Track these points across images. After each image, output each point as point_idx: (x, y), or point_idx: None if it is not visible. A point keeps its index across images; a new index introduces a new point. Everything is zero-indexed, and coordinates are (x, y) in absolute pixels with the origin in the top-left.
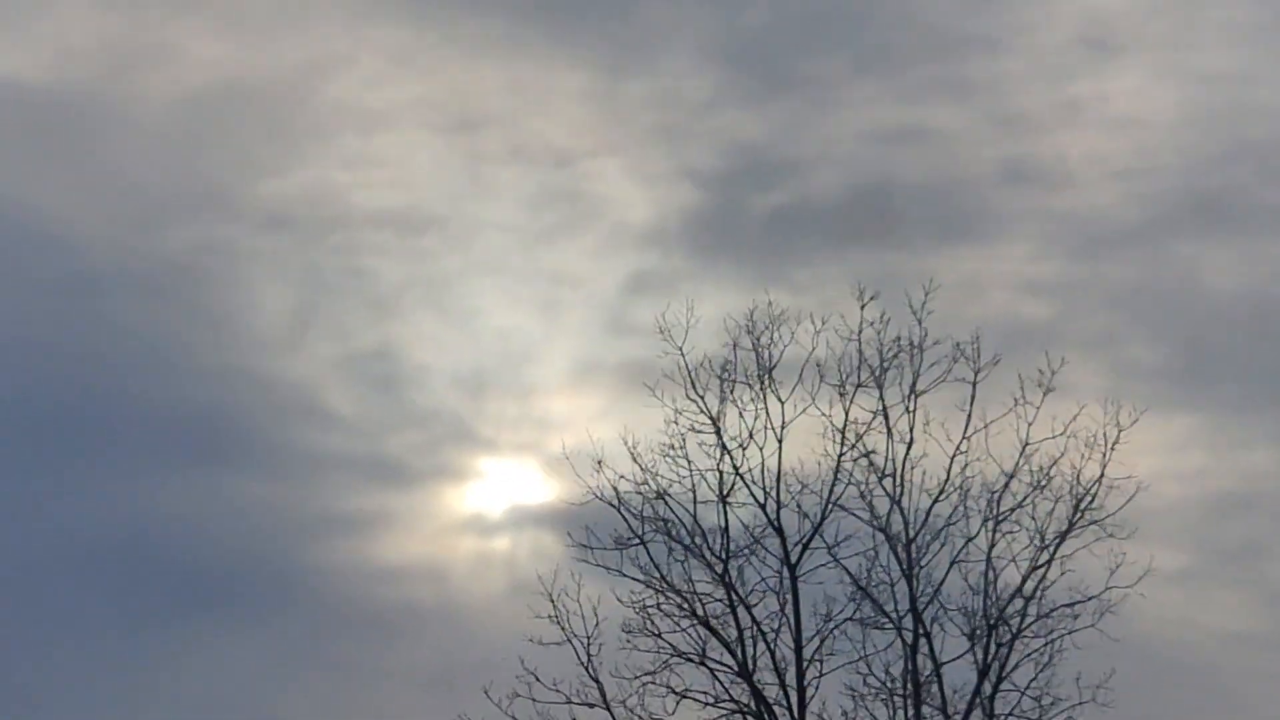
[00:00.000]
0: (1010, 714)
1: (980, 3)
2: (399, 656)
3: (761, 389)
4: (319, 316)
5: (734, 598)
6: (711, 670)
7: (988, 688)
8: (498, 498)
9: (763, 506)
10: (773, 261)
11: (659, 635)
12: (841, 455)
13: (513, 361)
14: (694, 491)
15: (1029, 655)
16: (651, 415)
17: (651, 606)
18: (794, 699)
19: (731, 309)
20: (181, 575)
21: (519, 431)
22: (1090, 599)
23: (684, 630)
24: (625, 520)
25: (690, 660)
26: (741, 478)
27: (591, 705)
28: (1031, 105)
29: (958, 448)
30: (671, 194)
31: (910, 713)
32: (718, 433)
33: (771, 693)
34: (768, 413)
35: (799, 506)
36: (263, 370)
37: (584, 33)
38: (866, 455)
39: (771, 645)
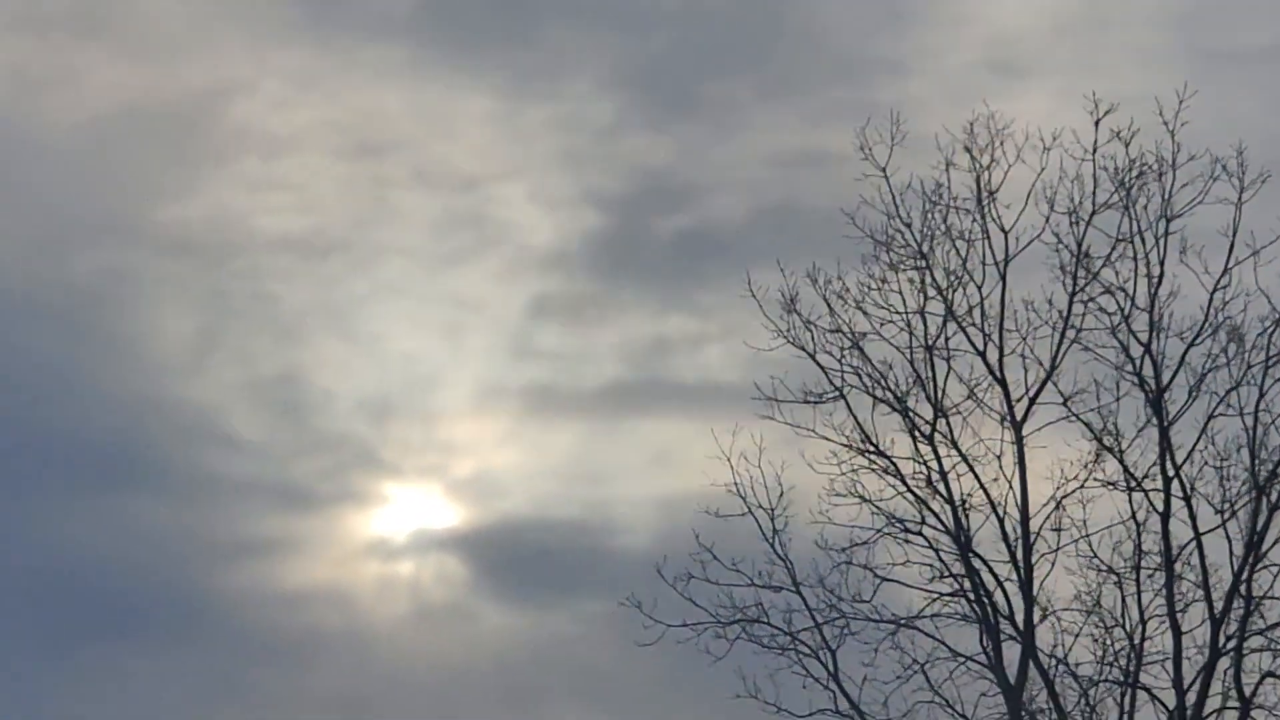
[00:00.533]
0: (1270, 594)
1: (886, 26)
2: (307, 682)
3: (980, 215)
4: (223, 341)
5: (945, 463)
6: (930, 543)
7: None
8: (402, 522)
9: (981, 354)
10: (677, 285)
11: (867, 501)
12: (1075, 293)
13: (417, 386)
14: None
15: None
16: (556, 439)
17: (850, 473)
18: (1021, 577)
19: (635, 334)
20: (88, 601)
21: (423, 456)
22: None
23: (889, 500)
24: (820, 369)
25: (906, 530)
26: (957, 321)
27: (778, 588)
28: (938, 129)
29: (1218, 282)
30: (575, 218)
31: (1163, 589)
32: (927, 269)
33: (997, 571)
34: (988, 243)
35: (1026, 354)
36: (168, 395)
37: (487, 57)
38: (1108, 291)
39: (1000, 514)
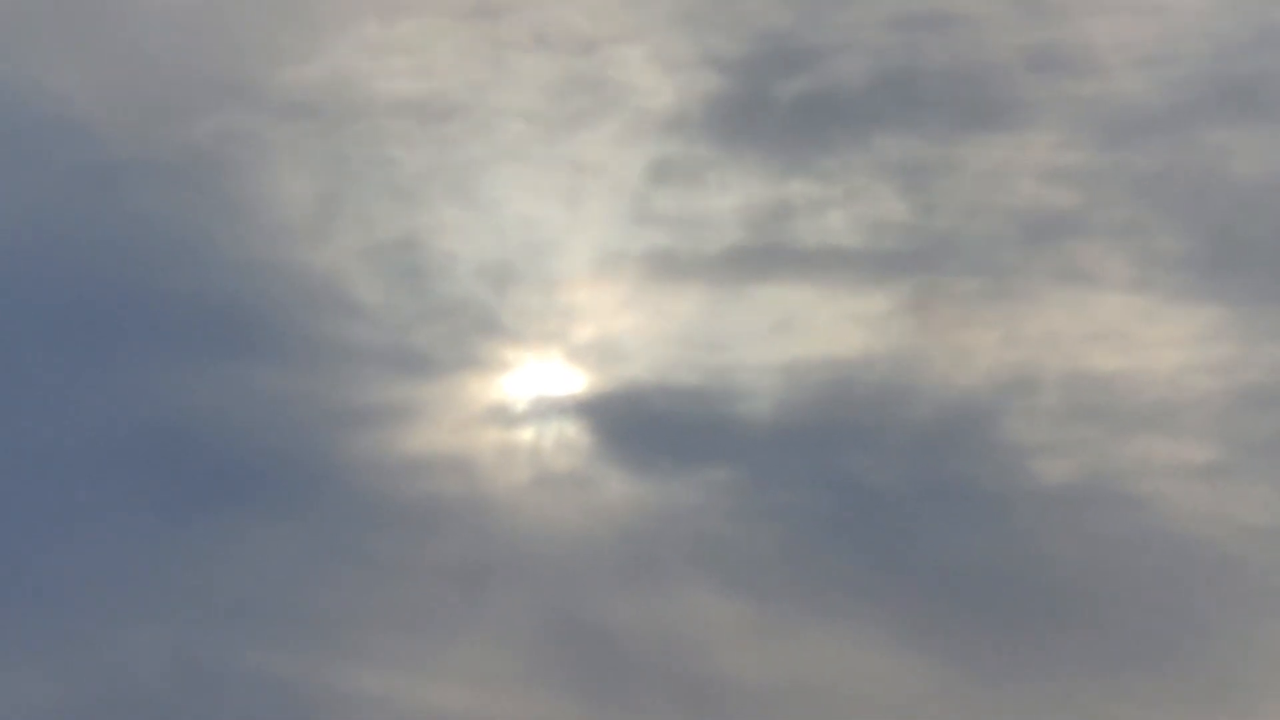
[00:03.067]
0: None
1: None
2: (427, 549)
3: None
4: (343, 206)
5: None
6: None
7: None
8: (522, 388)
9: None
10: (798, 149)
11: None
12: None
13: (537, 251)
14: None
15: None
16: (676, 305)
17: None
18: None
19: (756, 198)
20: (208, 468)
21: (544, 322)
22: None
23: None
24: None
25: None
26: None
27: None
28: None
29: None
30: (695, 80)
31: None
32: None
33: None
34: None
35: None
36: (288, 260)
37: None
38: None
39: None
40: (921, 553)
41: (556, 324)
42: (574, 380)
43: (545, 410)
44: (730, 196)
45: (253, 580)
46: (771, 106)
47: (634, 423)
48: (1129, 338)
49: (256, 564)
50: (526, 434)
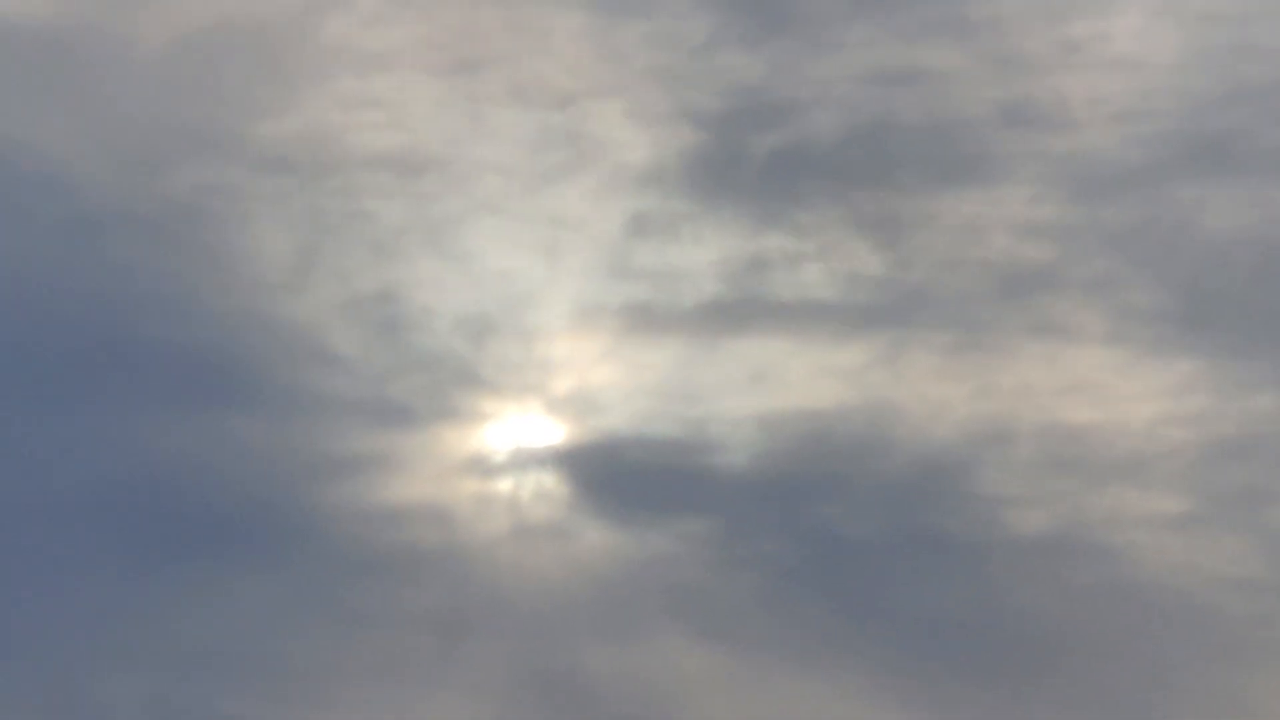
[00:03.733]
0: None
1: None
2: (404, 599)
3: None
4: (321, 258)
5: None
6: None
7: None
8: (501, 440)
9: None
10: (773, 203)
11: None
12: None
13: (515, 304)
14: None
15: None
16: (654, 357)
17: None
18: None
19: (733, 252)
20: (187, 518)
21: (522, 374)
22: None
23: None
24: None
25: None
26: None
27: None
28: (1031, 45)
29: None
30: (671, 135)
31: None
32: None
33: None
34: None
35: None
36: (266, 312)
37: None
38: None
39: None
40: (897, 603)
41: (535, 376)
42: (552, 431)
43: (523, 461)
44: (707, 250)
45: (230, 629)
46: (747, 161)
47: (611, 474)
48: (1103, 390)
49: (233, 613)
50: (504, 484)
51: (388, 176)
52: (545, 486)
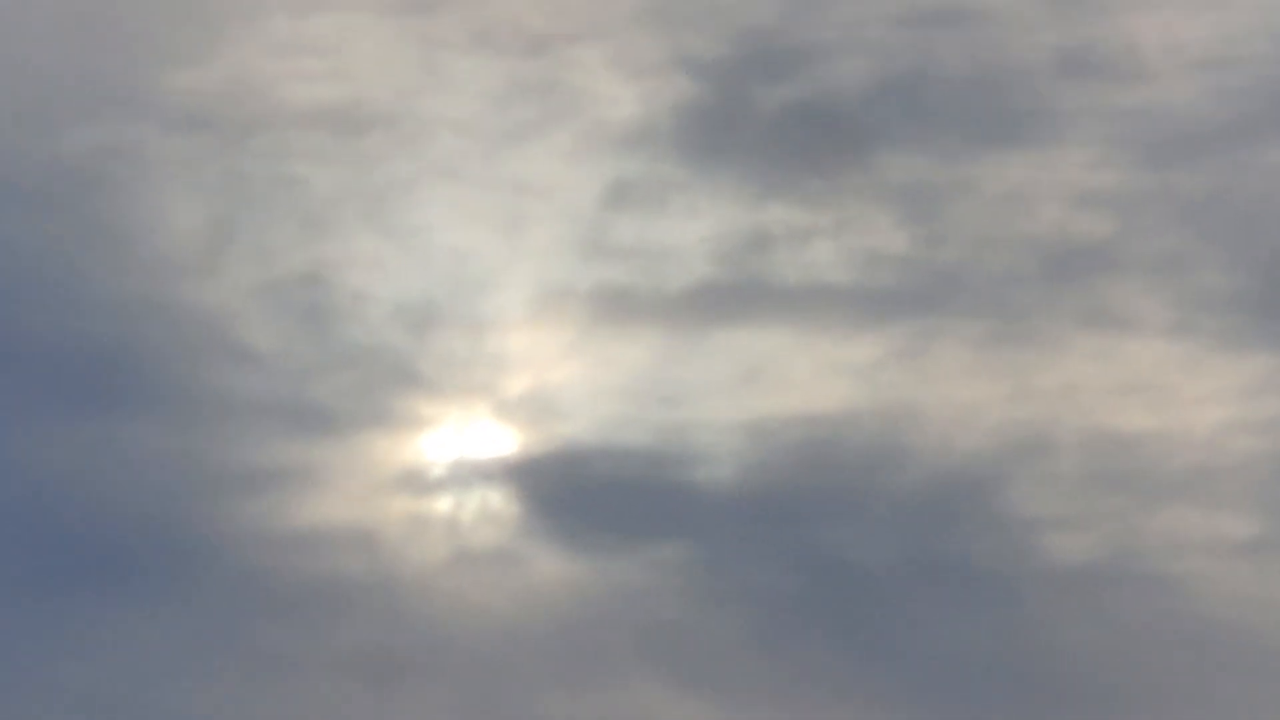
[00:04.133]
0: None
1: None
2: (325, 639)
3: None
4: (238, 234)
5: None
6: None
7: None
8: (441, 450)
9: None
10: (781, 169)
11: None
12: None
13: (465, 289)
14: None
15: None
16: (627, 352)
17: None
18: None
19: (730, 226)
20: (69, 542)
21: (469, 372)
22: None
23: None
24: None
25: None
26: None
27: None
28: None
29: None
30: (663, 87)
31: None
32: None
33: None
34: None
35: None
36: (169, 298)
37: None
38: None
39: None
40: (914, 644)
41: (484, 374)
42: (502, 440)
43: (467, 475)
44: (699, 224)
45: (119, 676)
46: (752, 118)
47: (572, 490)
48: (1163, 391)
49: (124, 657)
50: (444, 503)
51: (323, 136)
52: (493, 506)
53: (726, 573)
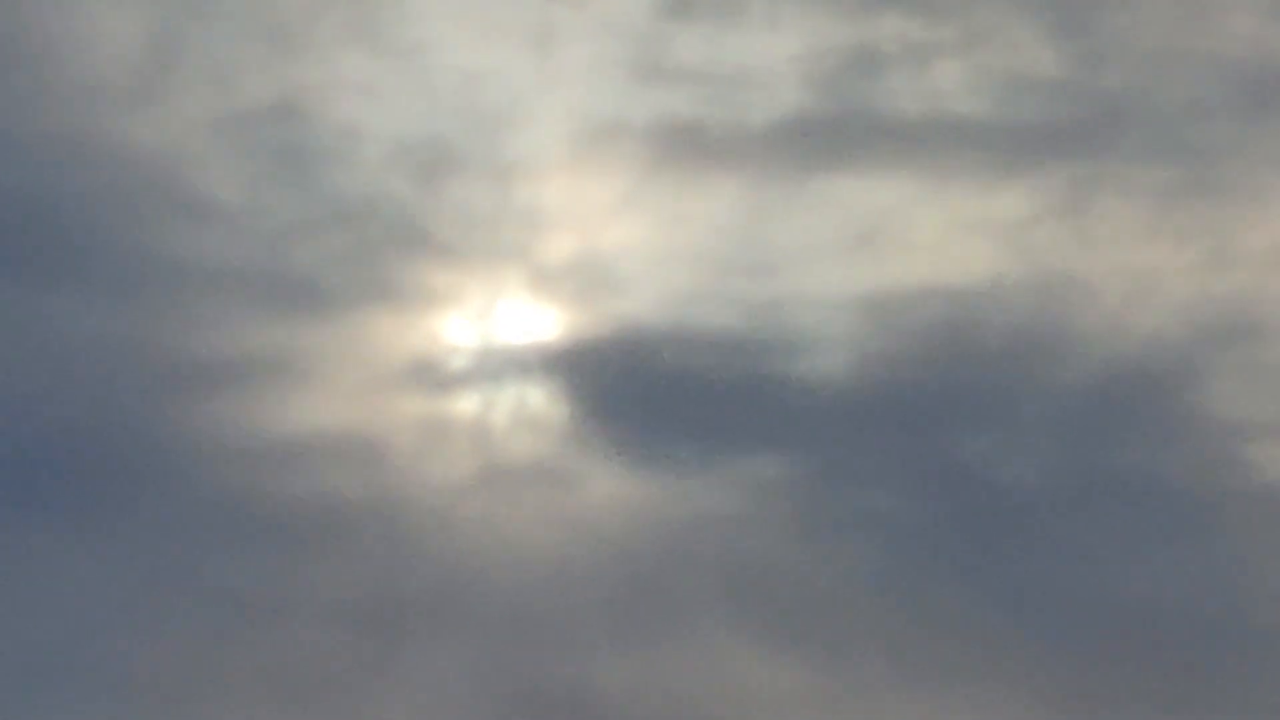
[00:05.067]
0: None
1: None
2: (316, 578)
3: None
4: (188, 52)
5: None
6: None
7: None
8: (463, 334)
9: None
10: None
11: None
12: None
13: (485, 123)
14: None
15: None
16: (701, 206)
17: None
18: None
19: (826, 41)
20: None
21: (495, 231)
22: None
23: None
24: None
25: None
26: None
27: None
28: None
29: None
30: None
31: None
32: None
33: None
34: None
35: None
36: (105, 135)
37: None
38: None
39: None
40: (1079, 588)
41: (514, 234)
42: (541, 321)
43: (497, 367)
44: (785, 38)
45: (46, 620)
46: None
47: (633, 387)
48: None
49: (50, 596)
50: (468, 404)
51: None
52: (531, 407)
53: (836, 496)
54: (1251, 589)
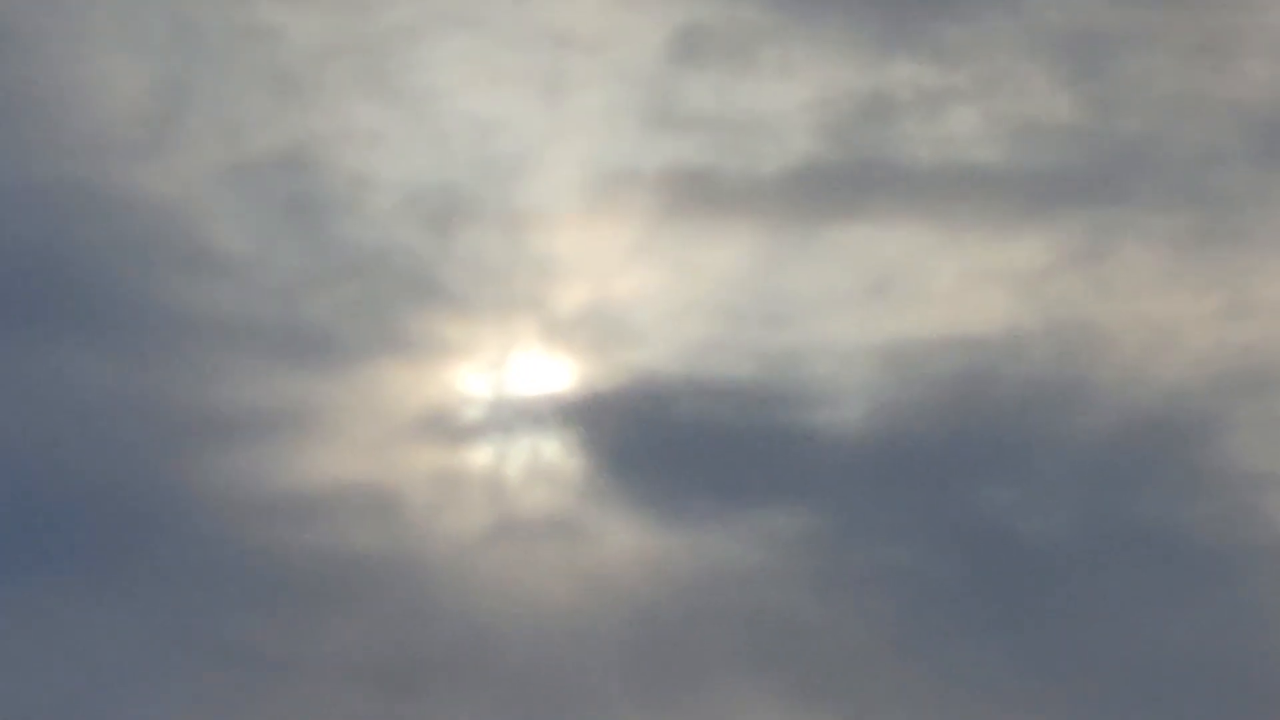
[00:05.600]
0: None
1: None
2: (328, 636)
3: None
4: (196, 102)
5: None
6: None
7: None
8: (475, 386)
9: None
10: (907, 9)
11: None
12: None
13: (496, 172)
14: None
15: None
16: (715, 255)
17: None
18: None
19: (841, 88)
20: None
21: (507, 281)
22: None
23: None
24: None
25: None
26: None
27: None
28: None
29: None
30: None
31: None
32: None
33: None
34: None
35: None
36: (112, 186)
37: None
38: None
39: None
40: (1100, 641)
41: (527, 284)
42: (555, 372)
43: (510, 418)
44: (799, 86)
45: (55, 681)
46: None
47: (649, 439)
48: None
49: (62, 657)
50: (482, 456)
51: None
52: (545, 459)
53: (854, 549)
54: (1274, 641)
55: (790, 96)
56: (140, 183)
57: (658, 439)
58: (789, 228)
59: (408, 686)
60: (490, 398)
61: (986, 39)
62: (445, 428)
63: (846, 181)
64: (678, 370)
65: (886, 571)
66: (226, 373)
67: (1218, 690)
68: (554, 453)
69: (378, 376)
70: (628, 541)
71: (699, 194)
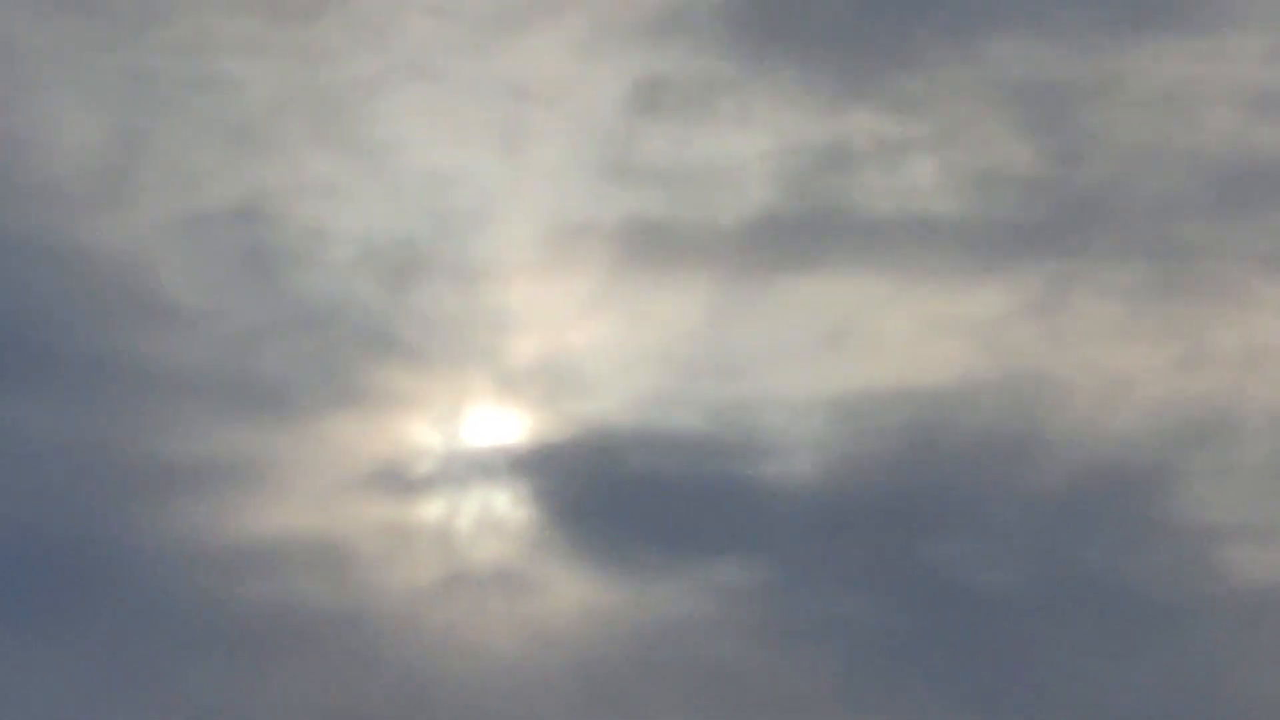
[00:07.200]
0: None
1: None
2: (280, 685)
3: None
4: (151, 153)
5: None
6: None
7: None
8: (428, 437)
9: None
10: (864, 61)
11: None
12: None
13: (452, 224)
14: None
15: None
16: (670, 307)
17: None
18: None
19: (797, 139)
20: None
21: (461, 334)
22: None
23: None
24: None
25: None
26: None
27: None
28: None
29: None
30: None
31: None
32: None
33: None
34: None
35: None
36: (67, 237)
37: None
38: None
39: None
40: (1053, 692)
41: (481, 337)
42: (508, 424)
43: (463, 471)
44: (756, 137)
45: None
46: None
47: (600, 491)
48: None
49: (15, 703)
50: (434, 508)
51: (256, 22)
52: (497, 511)
53: (803, 601)
54: (1226, 692)
55: (749, 147)
56: (95, 234)
57: (609, 491)
58: (745, 279)
59: None
60: (442, 450)
61: (945, 89)
62: (397, 480)
63: (804, 232)
64: (629, 422)
65: (836, 623)
66: (180, 423)
67: None
68: (505, 504)
69: (331, 428)
70: (577, 594)
71: (656, 245)
